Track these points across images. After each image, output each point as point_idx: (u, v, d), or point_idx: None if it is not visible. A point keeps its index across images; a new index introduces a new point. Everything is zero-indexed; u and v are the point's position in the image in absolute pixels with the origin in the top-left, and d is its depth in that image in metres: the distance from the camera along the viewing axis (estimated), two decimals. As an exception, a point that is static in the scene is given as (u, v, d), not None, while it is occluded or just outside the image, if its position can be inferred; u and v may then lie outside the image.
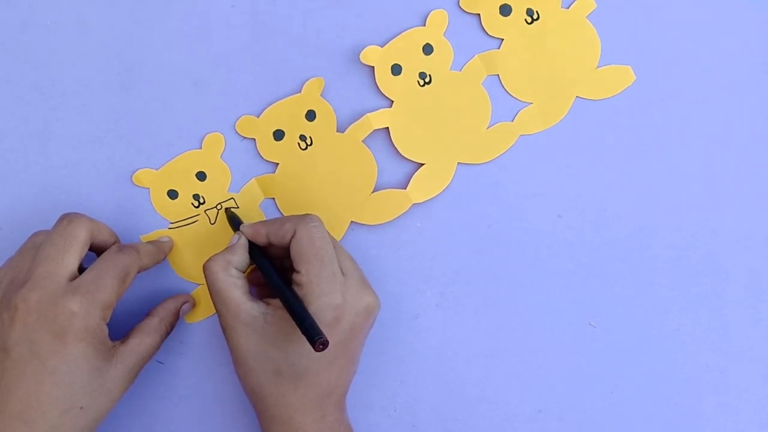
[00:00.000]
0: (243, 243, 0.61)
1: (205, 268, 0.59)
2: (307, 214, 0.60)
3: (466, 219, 0.66)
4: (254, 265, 0.62)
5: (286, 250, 0.60)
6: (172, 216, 0.66)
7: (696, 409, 0.66)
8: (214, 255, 0.60)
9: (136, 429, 0.66)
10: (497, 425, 0.66)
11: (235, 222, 0.64)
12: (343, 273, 0.59)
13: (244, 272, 0.61)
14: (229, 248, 0.60)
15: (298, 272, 0.58)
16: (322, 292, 0.57)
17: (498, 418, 0.66)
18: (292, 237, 0.59)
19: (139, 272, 0.61)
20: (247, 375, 0.59)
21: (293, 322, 0.56)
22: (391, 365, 0.65)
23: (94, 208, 0.65)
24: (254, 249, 0.61)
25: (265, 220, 0.62)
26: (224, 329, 0.59)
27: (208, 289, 0.59)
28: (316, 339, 0.52)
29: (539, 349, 0.67)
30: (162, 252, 0.64)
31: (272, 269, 0.60)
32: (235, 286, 0.58)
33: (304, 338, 0.56)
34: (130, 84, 0.65)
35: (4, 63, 0.65)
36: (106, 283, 0.57)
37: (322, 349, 0.52)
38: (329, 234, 0.60)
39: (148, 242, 0.63)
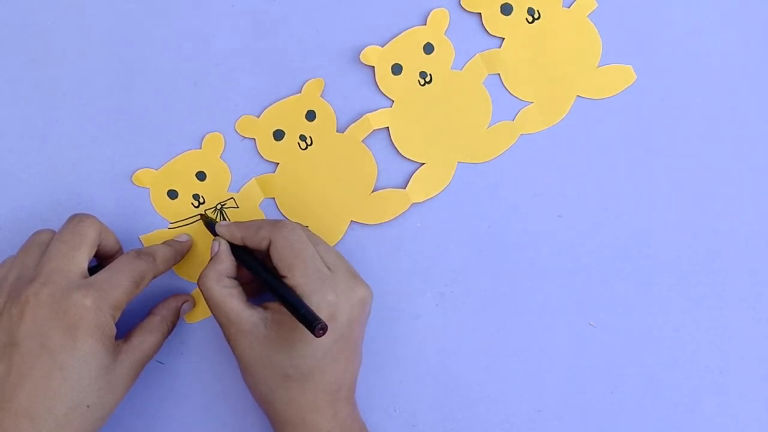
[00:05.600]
0: (225, 248, 0.61)
1: (200, 284, 0.60)
2: (279, 220, 0.61)
3: (466, 219, 0.66)
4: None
5: (262, 252, 0.60)
6: (172, 216, 0.66)
7: (696, 409, 0.66)
8: (204, 270, 0.60)
9: (136, 429, 0.66)
10: (497, 425, 0.66)
11: (211, 227, 0.64)
12: (329, 269, 0.59)
13: (235, 278, 0.61)
14: (214, 258, 0.61)
15: (284, 277, 0.58)
16: (312, 290, 0.57)
17: (498, 418, 0.67)
18: (270, 245, 0.59)
19: (153, 278, 0.61)
20: (255, 383, 0.60)
21: (292, 325, 0.57)
22: (391, 365, 0.65)
23: (94, 207, 0.65)
24: (236, 249, 0.62)
25: (240, 223, 0.62)
26: (228, 340, 0.60)
27: (207, 303, 0.60)
28: (315, 324, 0.52)
29: (539, 349, 0.67)
30: (180, 254, 0.64)
31: (260, 265, 0.60)
32: (231, 296, 0.59)
33: (305, 339, 0.57)
34: (130, 84, 0.65)
35: (4, 63, 0.65)
36: (121, 284, 0.57)
37: (322, 334, 0.53)
38: (308, 233, 0.61)
39: (166, 245, 0.63)
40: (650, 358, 0.66)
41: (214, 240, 0.62)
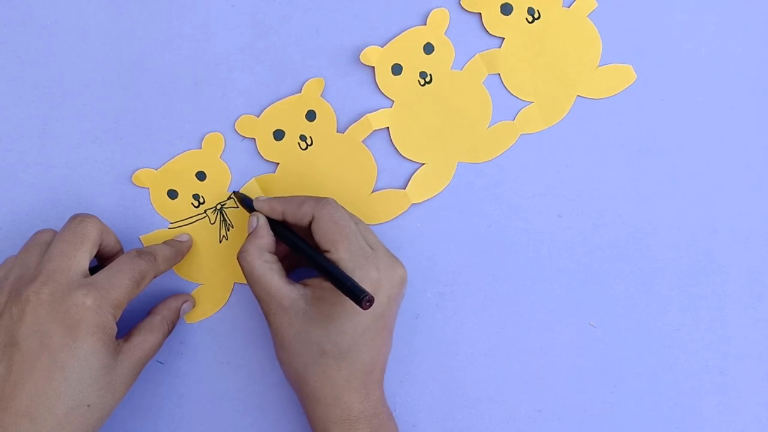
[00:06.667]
0: (265, 223, 0.62)
1: (240, 258, 0.60)
2: (322, 197, 0.61)
3: (466, 219, 0.66)
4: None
5: (301, 228, 0.61)
6: (172, 216, 0.66)
7: (696, 409, 0.66)
8: (244, 244, 0.60)
9: (136, 429, 0.66)
10: (497, 425, 0.66)
11: (247, 203, 0.64)
12: (371, 247, 0.59)
13: (274, 253, 0.61)
14: (254, 233, 0.61)
15: (327, 252, 0.58)
16: (356, 266, 0.58)
17: (498, 418, 0.67)
18: (311, 221, 0.59)
19: (154, 278, 0.61)
20: (291, 359, 0.60)
21: (333, 300, 0.58)
22: (391, 365, 0.65)
23: (94, 208, 0.65)
24: (274, 224, 0.62)
25: (280, 198, 0.62)
26: (266, 315, 0.60)
27: (246, 278, 0.60)
28: (362, 297, 0.53)
29: (539, 349, 0.67)
30: (180, 254, 0.64)
31: (300, 240, 0.60)
32: (272, 271, 0.59)
33: (346, 315, 0.57)
34: (130, 84, 0.65)
35: (4, 63, 0.65)
36: (121, 283, 0.57)
37: (369, 306, 0.53)
38: (349, 212, 0.61)
39: (166, 245, 0.63)
40: (650, 358, 0.66)
41: (252, 215, 0.62)
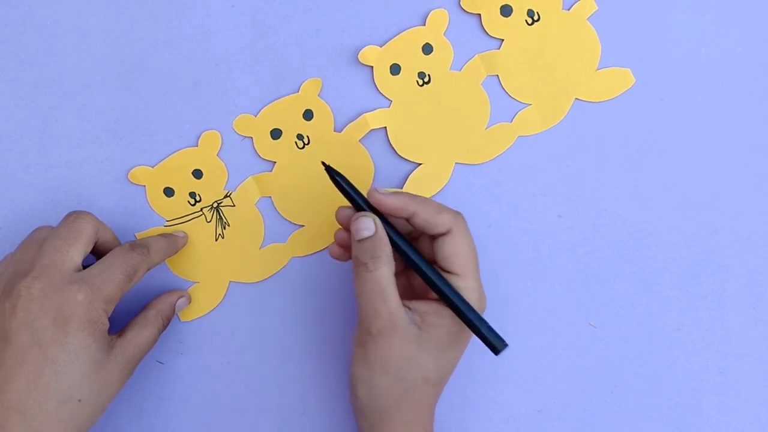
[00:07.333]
0: (383, 231, 0.56)
1: (372, 267, 0.55)
2: (459, 212, 0.58)
3: (466, 219, 0.66)
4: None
5: (409, 234, 0.60)
6: (168, 214, 0.66)
7: (696, 409, 0.66)
8: (374, 251, 0.55)
9: (136, 429, 0.66)
10: (497, 425, 0.66)
11: (344, 184, 0.57)
12: None
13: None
14: (379, 240, 0.55)
15: (454, 274, 0.56)
16: (480, 297, 0.57)
17: (498, 418, 0.66)
18: (445, 233, 0.56)
19: (147, 271, 0.61)
20: (391, 383, 0.56)
21: (450, 329, 0.56)
22: (390, 365, 0.65)
23: (94, 207, 0.65)
24: (391, 231, 0.56)
25: (411, 195, 0.57)
26: (367, 333, 0.56)
27: (363, 289, 0.55)
28: (501, 347, 0.54)
29: (539, 349, 0.66)
30: (174, 247, 0.64)
31: (418, 255, 0.56)
32: (394, 287, 0.55)
33: (457, 346, 0.58)
34: (130, 84, 0.66)
35: (4, 63, 0.66)
36: (113, 278, 0.57)
37: (500, 352, 0.54)
38: None
39: (161, 237, 0.63)
40: (650, 358, 0.66)
41: (365, 217, 0.56)
